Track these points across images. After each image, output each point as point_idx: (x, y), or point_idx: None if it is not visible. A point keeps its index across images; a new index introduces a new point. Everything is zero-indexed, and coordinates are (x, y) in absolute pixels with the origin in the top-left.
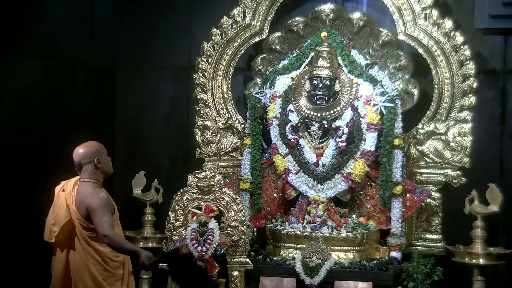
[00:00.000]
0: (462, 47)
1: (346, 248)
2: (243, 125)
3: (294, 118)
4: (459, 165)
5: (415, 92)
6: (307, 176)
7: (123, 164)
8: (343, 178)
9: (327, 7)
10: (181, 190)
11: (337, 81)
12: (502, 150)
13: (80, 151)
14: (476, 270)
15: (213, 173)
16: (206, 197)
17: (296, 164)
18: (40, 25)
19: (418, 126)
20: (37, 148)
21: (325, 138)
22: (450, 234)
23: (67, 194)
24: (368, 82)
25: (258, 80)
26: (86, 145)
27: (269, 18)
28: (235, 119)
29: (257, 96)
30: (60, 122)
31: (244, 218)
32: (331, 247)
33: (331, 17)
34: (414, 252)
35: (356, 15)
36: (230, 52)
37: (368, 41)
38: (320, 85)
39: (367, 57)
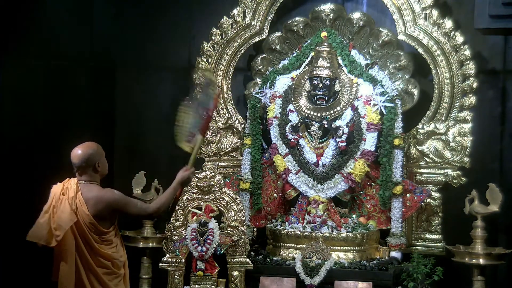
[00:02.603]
0: (462, 47)
1: (346, 248)
2: (243, 125)
3: (294, 118)
4: (459, 165)
5: (415, 92)
6: (307, 176)
7: (123, 164)
8: (343, 178)
9: (327, 7)
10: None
11: (337, 81)
12: (502, 150)
13: (79, 152)
14: (476, 270)
15: (213, 173)
16: (206, 197)
17: (296, 164)
18: (41, 25)
19: (418, 126)
20: (37, 148)
21: (325, 138)
22: (450, 234)
23: (70, 198)
24: (368, 82)
25: (258, 80)
26: (85, 147)
27: (269, 18)
28: (235, 119)
29: (257, 96)
30: (60, 122)
31: (244, 218)
32: (331, 247)
33: (331, 17)
34: (414, 252)
35: (356, 15)
36: (230, 52)
37: (368, 41)
38: (320, 85)
39: (367, 57)
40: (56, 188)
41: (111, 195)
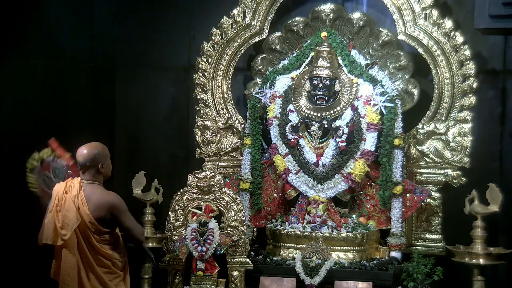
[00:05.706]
0: (462, 47)
1: (346, 248)
2: (243, 125)
3: (294, 118)
4: (459, 165)
5: (415, 92)
6: (307, 176)
7: (123, 164)
8: (343, 178)
9: (327, 7)
10: (181, 190)
11: (337, 81)
12: (502, 150)
13: (84, 152)
14: (476, 270)
15: (213, 173)
16: (206, 197)
17: (296, 164)
18: (41, 25)
19: (418, 126)
20: (37, 148)
21: (325, 138)
22: (450, 234)
23: (73, 196)
24: (368, 82)
25: (258, 80)
26: (91, 147)
27: (269, 18)
28: (235, 119)
29: (257, 96)
30: (60, 122)
31: (244, 218)
32: (331, 247)
33: (331, 17)
34: (414, 252)
35: (356, 15)
36: (230, 52)
37: (368, 41)
38: (320, 85)
39: (367, 57)
40: (59, 187)
41: (112, 198)
